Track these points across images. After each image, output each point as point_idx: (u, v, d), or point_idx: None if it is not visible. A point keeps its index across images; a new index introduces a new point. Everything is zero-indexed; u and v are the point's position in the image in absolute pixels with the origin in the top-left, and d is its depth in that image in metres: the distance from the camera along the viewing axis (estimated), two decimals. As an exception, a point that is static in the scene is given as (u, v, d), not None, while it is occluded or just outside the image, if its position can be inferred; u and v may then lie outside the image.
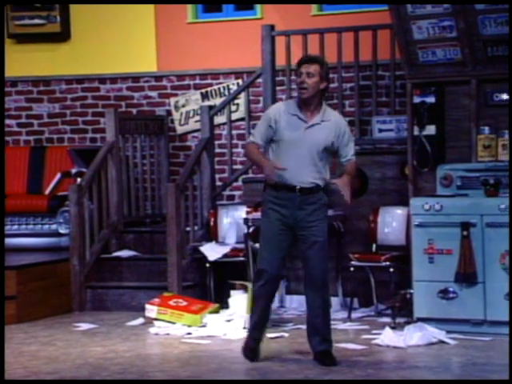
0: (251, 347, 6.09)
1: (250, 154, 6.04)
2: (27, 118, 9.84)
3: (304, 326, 7.26)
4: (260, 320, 6.10)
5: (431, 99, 7.21)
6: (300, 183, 5.91)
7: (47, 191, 9.18)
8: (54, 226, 8.86)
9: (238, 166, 8.78)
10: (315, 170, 5.93)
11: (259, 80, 8.62)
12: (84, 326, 7.45)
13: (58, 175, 9.14)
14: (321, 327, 6.02)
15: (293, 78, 8.51)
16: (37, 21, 9.59)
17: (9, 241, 8.90)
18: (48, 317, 7.78)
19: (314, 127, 5.93)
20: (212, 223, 8.24)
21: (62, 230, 8.79)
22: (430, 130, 7.25)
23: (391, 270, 7.33)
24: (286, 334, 6.96)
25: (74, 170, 9.00)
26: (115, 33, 9.52)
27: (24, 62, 9.70)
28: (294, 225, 5.95)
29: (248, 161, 8.27)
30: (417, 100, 7.24)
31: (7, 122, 9.88)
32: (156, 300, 7.49)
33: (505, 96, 7.10)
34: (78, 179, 8.58)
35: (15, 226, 8.94)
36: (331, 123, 5.96)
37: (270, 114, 6.00)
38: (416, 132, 7.29)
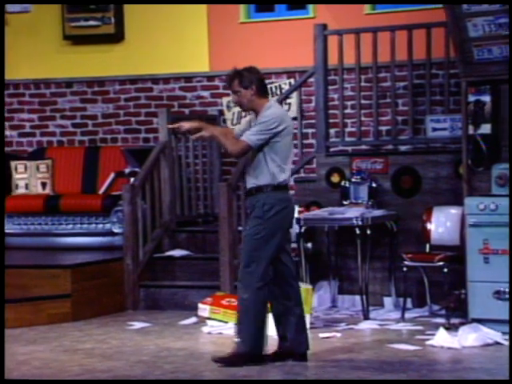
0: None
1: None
2: (82, 118, 9.94)
3: (357, 326, 7.26)
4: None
5: (486, 98, 7.12)
6: (247, 186, 6.06)
7: (101, 191, 9.26)
8: (107, 226, 8.93)
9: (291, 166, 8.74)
10: (256, 171, 5.96)
11: (311, 79, 8.59)
12: (137, 325, 7.50)
13: (112, 175, 9.21)
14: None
15: (345, 77, 8.50)
16: (92, 22, 9.68)
17: (63, 240, 9.00)
18: (102, 315, 7.84)
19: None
20: (264, 223, 8.21)
21: (116, 230, 8.85)
22: (486, 128, 7.15)
23: (445, 270, 7.25)
24: (338, 334, 6.93)
25: (127, 170, 9.06)
26: (168, 33, 9.57)
27: (79, 63, 9.80)
28: None
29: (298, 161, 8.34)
30: (472, 98, 7.16)
31: (62, 122, 9.99)
32: (208, 299, 7.50)
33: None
34: (132, 179, 8.63)
35: (70, 226, 9.03)
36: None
37: None
38: (471, 131, 7.21)
